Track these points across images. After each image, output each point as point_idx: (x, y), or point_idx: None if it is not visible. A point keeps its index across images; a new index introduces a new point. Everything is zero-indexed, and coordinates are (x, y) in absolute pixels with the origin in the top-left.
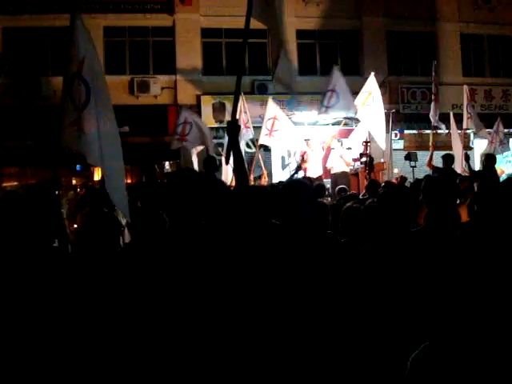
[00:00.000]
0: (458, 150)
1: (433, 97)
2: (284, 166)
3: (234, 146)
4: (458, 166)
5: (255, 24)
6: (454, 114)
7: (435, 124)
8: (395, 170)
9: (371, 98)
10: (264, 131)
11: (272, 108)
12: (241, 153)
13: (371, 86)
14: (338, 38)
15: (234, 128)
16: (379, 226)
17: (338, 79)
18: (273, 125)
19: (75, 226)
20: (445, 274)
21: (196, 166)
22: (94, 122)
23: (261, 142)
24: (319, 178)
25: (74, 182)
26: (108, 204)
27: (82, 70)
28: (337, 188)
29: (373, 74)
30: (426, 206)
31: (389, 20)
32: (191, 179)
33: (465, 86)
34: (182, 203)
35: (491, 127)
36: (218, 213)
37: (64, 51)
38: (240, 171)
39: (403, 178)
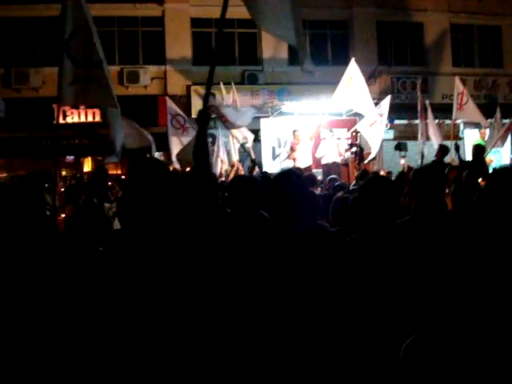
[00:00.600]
0: (436, 140)
1: (419, 114)
2: (274, 157)
3: (201, 135)
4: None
5: (245, 14)
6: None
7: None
8: (401, 161)
9: (354, 81)
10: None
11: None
12: (207, 144)
13: (352, 71)
14: (329, 28)
15: (204, 117)
16: (363, 216)
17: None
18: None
19: (63, 215)
20: (431, 263)
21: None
22: (103, 74)
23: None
24: (309, 169)
25: (63, 173)
26: (97, 195)
27: (89, 23)
28: (327, 178)
29: (353, 59)
30: (416, 197)
31: (379, 10)
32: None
33: (456, 77)
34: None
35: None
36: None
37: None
38: (201, 162)
39: (389, 174)
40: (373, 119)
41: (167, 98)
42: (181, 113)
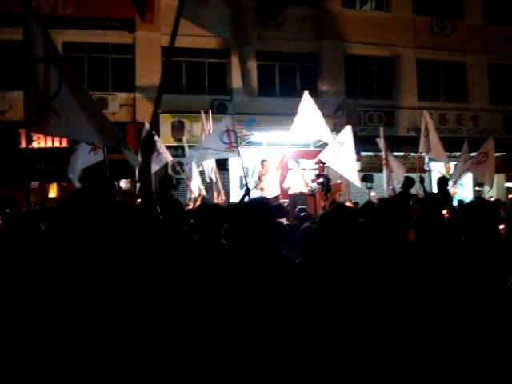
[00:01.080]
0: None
1: (384, 162)
2: (242, 186)
3: (145, 162)
4: (389, 189)
5: (216, 44)
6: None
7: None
8: (372, 193)
9: (308, 112)
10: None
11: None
12: (150, 169)
13: (306, 102)
14: (298, 60)
15: (149, 144)
16: (324, 247)
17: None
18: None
19: None
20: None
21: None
22: (67, 106)
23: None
24: (277, 199)
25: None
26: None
27: (49, 53)
28: (296, 208)
29: (306, 93)
30: (379, 227)
31: (347, 44)
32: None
33: (425, 111)
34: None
35: (446, 151)
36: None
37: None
38: (145, 189)
39: (355, 205)
40: (333, 148)
41: (145, 122)
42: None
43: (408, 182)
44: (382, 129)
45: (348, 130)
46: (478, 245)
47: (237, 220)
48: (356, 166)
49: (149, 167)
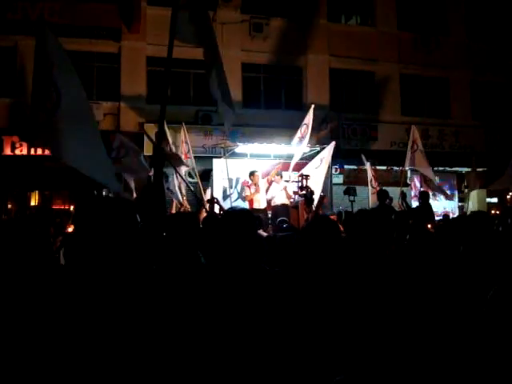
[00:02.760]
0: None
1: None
2: (226, 197)
3: (157, 179)
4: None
5: (201, 55)
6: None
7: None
8: (340, 207)
9: (308, 130)
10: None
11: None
12: (162, 185)
13: (309, 118)
14: (283, 72)
15: (159, 160)
16: (305, 257)
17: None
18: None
19: None
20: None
21: (134, 194)
22: (65, 124)
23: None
24: (264, 210)
25: (9, 206)
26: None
27: (52, 75)
28: (277, 220)
29: (312, 106)
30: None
31: (332, 58)
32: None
33: (413, 127)
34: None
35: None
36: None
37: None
38: (158, 203)
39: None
40: (317, 163)
41: (117, 134)
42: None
43: (381, 195)
44: None
45: (331, 147)
46: (479, 255)
47: (216, 230)
48: (322, 180)
49: (161, 181)
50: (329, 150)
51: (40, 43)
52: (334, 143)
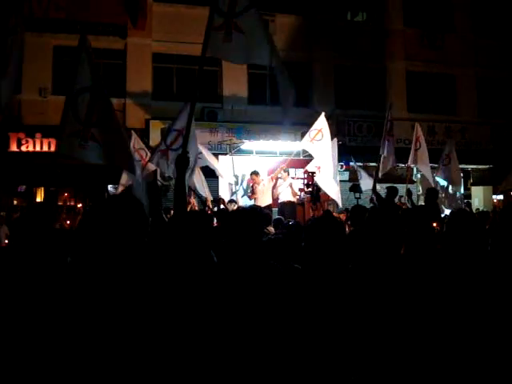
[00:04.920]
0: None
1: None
2: (231, 194)
3: (180, 179)
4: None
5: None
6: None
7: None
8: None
9: (320, 135)
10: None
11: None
12: (184, 186)
13: (321, 123)
14: (288, 69)
15: (183, 161)
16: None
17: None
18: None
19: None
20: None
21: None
22: (107, 134)
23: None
24: (267, 208)
25: (15, 202)
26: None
27: (96, 84)
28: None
29: (323, 113)
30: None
31: (338, 55)
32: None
33: (417, 124)
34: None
35: (435, 162)
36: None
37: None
38: (180, 203)
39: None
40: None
41: (132, 132)
42: (144, 147)
43: (391, 192)
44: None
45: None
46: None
47: (227, 227)
48: (331, 156)
49: (183, 183)
50: (333, 148)
51: (81, 55)
52: (335, 140)
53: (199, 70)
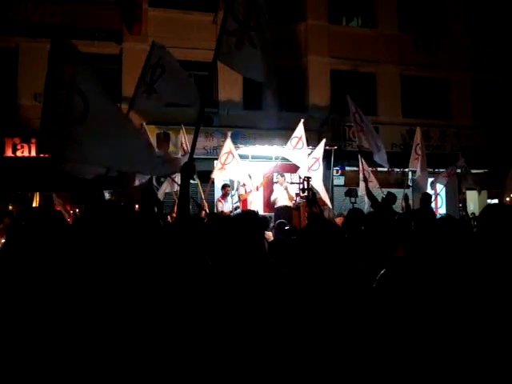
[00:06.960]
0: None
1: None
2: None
3: (184, 187)
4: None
5: (203, 57)
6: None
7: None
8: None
9: (301, 143)
10: (218, 166)
11: (228, 143)
12: (188, 194)
13: (300, 131)
14: (284, 74)
15: (189, 169)
16: (304, 259)
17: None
18: (226, 158)
19: None
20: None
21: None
22: (92, 133)
23: (214, 175)
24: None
25: (10, 207)
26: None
27: (75, 81)
28: (276, 222)
29: (302, 121)
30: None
31: (333, 60)
32: None
33: (418, 128)
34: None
35: (430, 167)
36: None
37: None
38: (183, 209)
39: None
40: (309, 163)
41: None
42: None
43: (390, 198)
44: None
45: (321, 145)
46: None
47: (225, 232)
48: (321, 183)
49: (187, 191)
50: (320, 149)
51: (56, 54)
52: (324, 141)
53: (209, 75)
